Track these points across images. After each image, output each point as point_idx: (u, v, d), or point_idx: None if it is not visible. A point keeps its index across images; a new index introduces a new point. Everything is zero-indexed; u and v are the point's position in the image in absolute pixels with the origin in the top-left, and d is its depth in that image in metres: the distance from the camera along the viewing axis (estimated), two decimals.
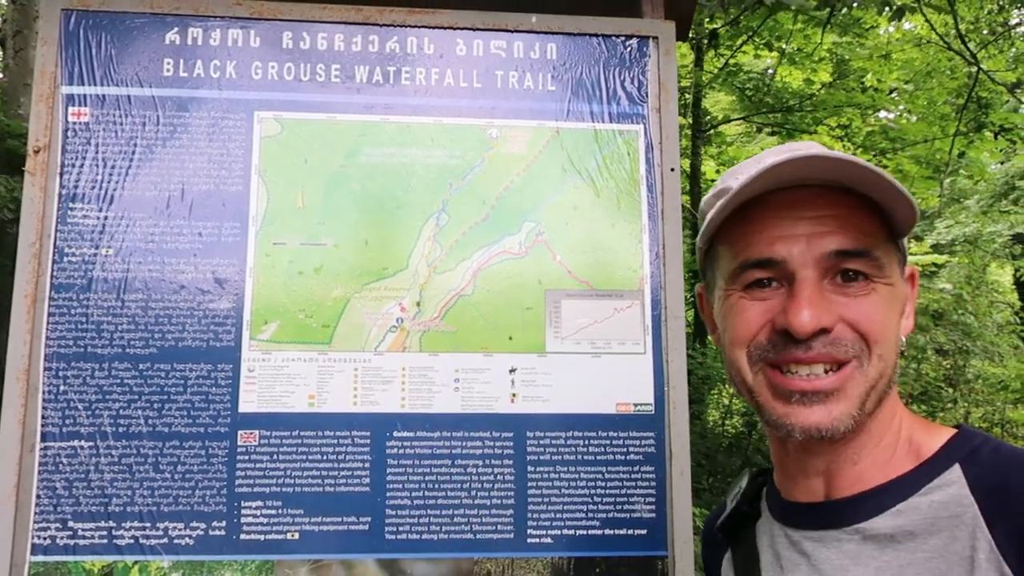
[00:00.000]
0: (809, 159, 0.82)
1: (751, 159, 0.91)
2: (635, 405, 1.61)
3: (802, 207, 0.85)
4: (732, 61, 9.89)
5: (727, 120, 11.19)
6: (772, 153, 0.88)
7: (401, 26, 1.70)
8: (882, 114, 11.30)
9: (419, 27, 1.71)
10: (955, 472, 0.83)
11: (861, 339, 0.84)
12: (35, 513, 1.48)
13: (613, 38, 1.72)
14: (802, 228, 0.85)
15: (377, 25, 1.70)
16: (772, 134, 11.89)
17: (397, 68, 1.69)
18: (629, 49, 1.72)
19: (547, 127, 1.68)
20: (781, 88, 10.42)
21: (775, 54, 9.93)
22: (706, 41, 9.09)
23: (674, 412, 1.60)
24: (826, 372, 0.84)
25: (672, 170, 1.70)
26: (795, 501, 0.94)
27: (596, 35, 1.72)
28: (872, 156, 10.62)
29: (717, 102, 11.85)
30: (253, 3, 1.67)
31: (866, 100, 10.03)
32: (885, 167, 10.76)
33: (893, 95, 11.28)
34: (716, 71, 9.97)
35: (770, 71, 11.10)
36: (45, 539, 1.48)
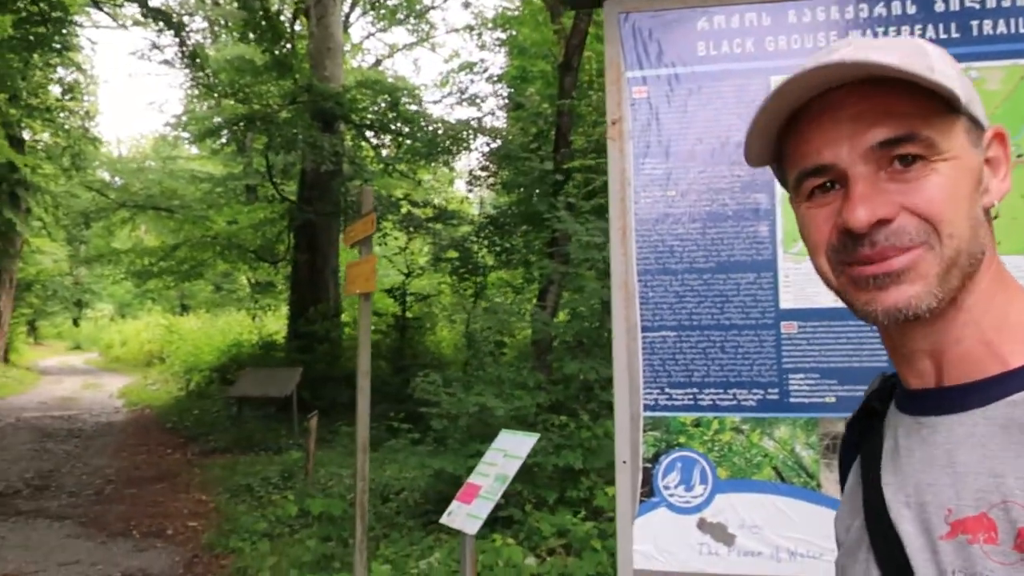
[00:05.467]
0: (817, 70, 0.83)
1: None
2: None
3: (839, 106, 0.85)
4: None
5: None
6: (812, 59, 0.87)
7: None
8: None
9: None
10: None
11: (926, 223, 0.82)
12: (643, 382, 2.09)
13: None
14: (843, 129, 0.85)
15: None
16: None
17: (895, 29, 2.08)
18: None
19: None
20: None
21: None
22: None
23: None
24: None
25: None
26: (911, 388, 0.91)
27: None
28: None
29: None
30: None
31: None
32: None
33: None
34: None
35: None
36: (651, 400, 2.09)
